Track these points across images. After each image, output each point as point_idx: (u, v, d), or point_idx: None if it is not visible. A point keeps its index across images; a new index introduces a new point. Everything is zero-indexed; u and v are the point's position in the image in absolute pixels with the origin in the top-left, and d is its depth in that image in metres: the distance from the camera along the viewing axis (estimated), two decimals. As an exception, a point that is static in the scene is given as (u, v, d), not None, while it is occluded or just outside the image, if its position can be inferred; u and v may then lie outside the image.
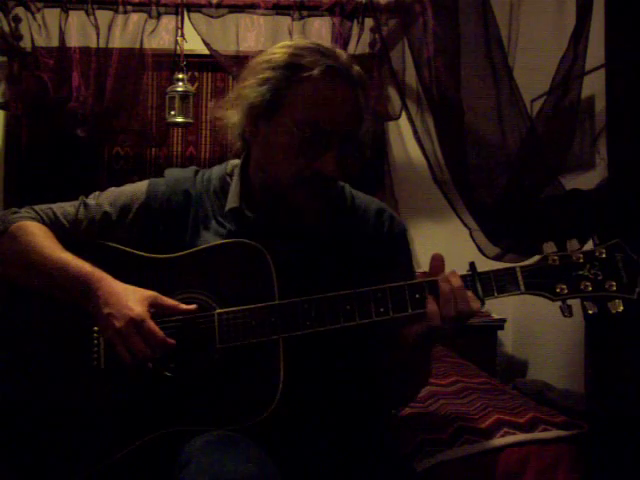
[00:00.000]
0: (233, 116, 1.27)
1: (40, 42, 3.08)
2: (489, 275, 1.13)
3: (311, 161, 1.19)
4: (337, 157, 1.19)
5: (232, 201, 1.29)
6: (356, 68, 1.23)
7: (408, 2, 2.31)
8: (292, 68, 1.19)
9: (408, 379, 1.31)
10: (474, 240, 1.96)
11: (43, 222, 1.32)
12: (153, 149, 3.40)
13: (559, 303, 1.12)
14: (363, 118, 1.24)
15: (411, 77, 2.40)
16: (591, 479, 1.50)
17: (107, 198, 1.34)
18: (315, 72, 1.17)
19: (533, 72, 1.82)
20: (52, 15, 3.08)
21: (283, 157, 1.21)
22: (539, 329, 3.03)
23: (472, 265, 1.15)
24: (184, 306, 1.20)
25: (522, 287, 1.12)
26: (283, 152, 1.21)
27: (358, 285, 1.17)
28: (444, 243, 2.90)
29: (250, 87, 1.22)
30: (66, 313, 1.28)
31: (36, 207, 1.34)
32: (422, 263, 2.91)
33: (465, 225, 1.99)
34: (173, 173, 1.38)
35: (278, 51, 1.22)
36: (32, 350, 1.29)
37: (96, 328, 1.24)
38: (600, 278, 1.10)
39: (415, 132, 2.19)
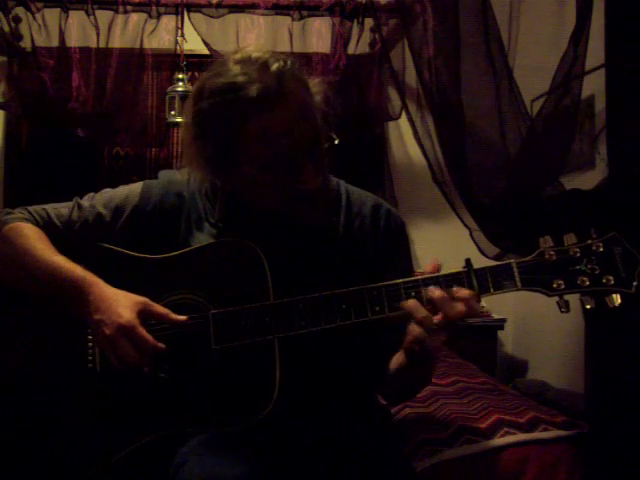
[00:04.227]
0: (198, 171, 1.25)
1: (40, 42, 3.08)
2: (485, 271, 1.11)
3: (292, 182, 1.16)
4: (313, 167, 1.16)
5: (220, 211, 1.29)
6: (289, 73, 1.13)
7: (408, 2, 2.31)
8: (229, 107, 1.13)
9: (409, 380, 1.30)
10: (474, 240, 1.96)
11: (36, 223, 1.30)
12: (153, 149, 3.40)
13: (556, 298, 1.10)
14: (314, 114, 1.18)
15: (411, 77, 2.40)
16: (591, 479, 1.50)
17: (101, 199, 1.33)
18: (249, 92, 1.11)
19: (533, 72, 1.82)
20: (52, 15, 3.08)
21: (265, 189, 1.19)
22: (539, 329, 3.03)
23: (468, 261, 1.13)
24: (174, 316, 1.18)
25: (518, 283, 1.10)
26: (263, 186, 1.19)
27: (355, 283, 1.16)
28: (444, 243, 2.92)
29: (196, 143, 1.19)
30: (61, 315, 1.27)
31: (30, 208, 1.33)
32: (422, 263, 2.94)
33: (465, 225, 1.98)
34: (167, 175, 1.38)
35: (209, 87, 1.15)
36: (27, 352, 1.29)
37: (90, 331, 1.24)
38: (597, 272, 1.08)
39: (415, 132, 2.19)
